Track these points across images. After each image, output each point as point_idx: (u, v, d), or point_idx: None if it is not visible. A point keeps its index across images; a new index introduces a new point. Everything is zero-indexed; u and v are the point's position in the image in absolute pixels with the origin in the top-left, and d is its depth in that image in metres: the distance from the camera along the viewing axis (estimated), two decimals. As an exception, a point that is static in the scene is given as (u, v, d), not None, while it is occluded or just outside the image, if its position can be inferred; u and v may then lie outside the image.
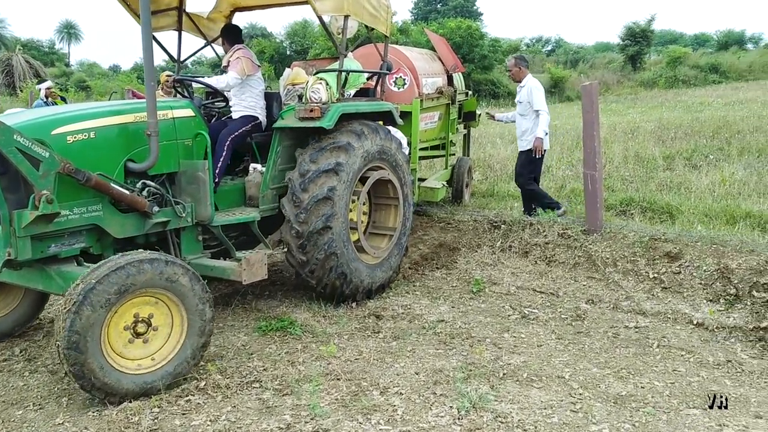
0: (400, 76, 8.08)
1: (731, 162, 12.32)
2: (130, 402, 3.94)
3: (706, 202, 9.19)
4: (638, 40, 43.55)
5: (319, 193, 5.34)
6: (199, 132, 5.10)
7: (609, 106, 30.39)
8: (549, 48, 69.44)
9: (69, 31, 77.11)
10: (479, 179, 12.15)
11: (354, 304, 5.77)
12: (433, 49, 9.94)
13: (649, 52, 46.33)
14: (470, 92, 11.07)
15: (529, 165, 7.73)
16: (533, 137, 7.45)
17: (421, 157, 9.94)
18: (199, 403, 3.98)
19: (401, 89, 8.10)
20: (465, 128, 10.78)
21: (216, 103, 6.02)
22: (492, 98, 37.90)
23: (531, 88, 7.68)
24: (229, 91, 5.89)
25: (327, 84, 5.57)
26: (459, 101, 9.93)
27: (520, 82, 7.87)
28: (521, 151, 7.81)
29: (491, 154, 14.77)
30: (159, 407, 3.93)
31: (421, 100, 8.16)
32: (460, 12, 56.63)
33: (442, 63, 9.51)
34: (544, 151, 7.72)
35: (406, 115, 8.03)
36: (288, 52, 44.00)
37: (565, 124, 21.43)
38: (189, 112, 5.19)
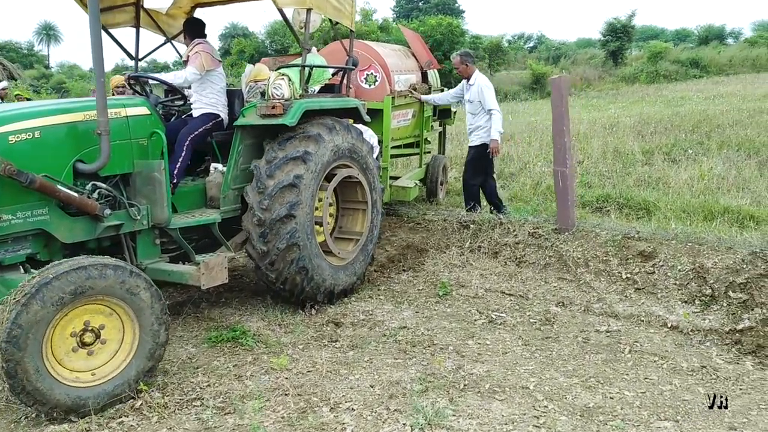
0: (371, 73, 7.79)
1: (710, 156, 12.14)
2: (54, 422, 3.62)
3: (684, 197, 8.98)
4: (619, 36, 43.51)
5: (285, 179, 5.06)
6: (154, 131, 4.79)
7: (590, 102, 30.33)
8: (531, 44, 69.43)
9: (48, 33, 76.12)
10: (455, 177, 11.89)
11: (313, 311, 5.48)
12: (407, 45, 9.67)
13: (630, 48, 46.33)
14: (446, 89, 10.80)
15: (479, 161, 7.55)
16: (487, 136, 7.38)
17: (395, 156, 9.67)
18: (132, 425, 3.67)
19: (372, 86, 7.81)
20: (440, 126, 10.52)
21: (175, 101, 5.69)
22: (474, 95, 37.72)
23: (481, 87, 7.49)
24: (188, 87, 5.58)
25: (289, 80, 5.27)
26: (433, 98, 9.66)
27: (468, 79, 7.64)
28: (471, 147, 7.69)
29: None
30: (87, 431, 3.61)
31: (393, 98, 7.89)
32: (441, 9, 56.43)
33: (417, 60, 9.23)
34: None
35: (377, 113, 7.78)
36: (269, 51, 43.55)
37: (545, 120, 21.12)
38: (144, 110, 4.89)
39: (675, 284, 5.42)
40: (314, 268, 5.33)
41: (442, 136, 10.66)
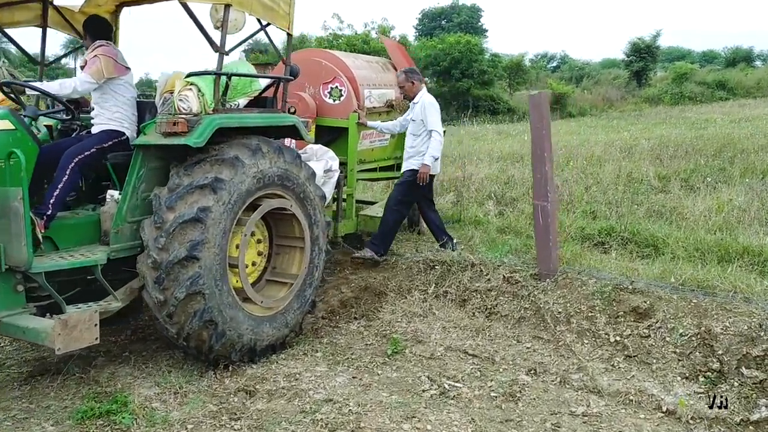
0: (336, 86, 6.84)
1: (732, 184, 10.99)
2: None
3: (698, 233, 7.85)
4: (643, 56, 42.30)
5: (187, 212, 4.10)
6: (13, 150, 3.87)
7: (610, 123, 29.19)
8: (554, 64, 68.31)
9: (76, 47, 76.63)
10: (451, 202, 10.86)
11: (227, 372, 4.48)
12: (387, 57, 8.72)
13: (654, 68, 45.03)
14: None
15: (411, 188, 6.60)
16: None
17: (369, 180, 8.71)
18: None
19: (337, 101, 6.86)
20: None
21: (58, 114, 4.78)
22: (491, 114, 36.79)
23: (425, 105, 6.58)
24: (78, 98, 4.68)
25: (199, 90, 4.33)
26: (418, 116, 8.68)
27: (413, 98, 6.75)
28: (407, 170, 6.76)
29: (472, 173, 13.45)
30: None
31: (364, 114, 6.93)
32: (464, 28, 55.67)
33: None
34: (432, 176, 6.72)
35: (342, 132, 6.83)
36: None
37: (559, 141, 20.12)
38: (5, 125, 3.99)
39: (674, 353, 4.33)
40: (226, 321, 4.34)
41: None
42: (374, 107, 7.21)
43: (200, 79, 4.35)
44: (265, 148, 4.59)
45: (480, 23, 67.95)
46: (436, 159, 6.51)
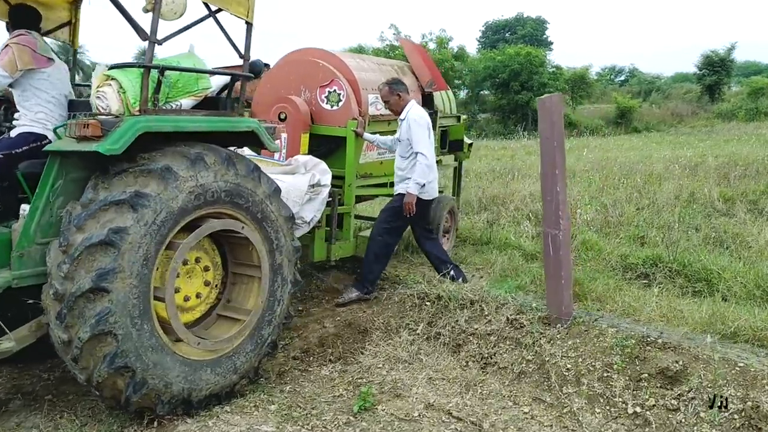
0: (334, 90, 6.06)
1: (808, 210, 9.67)
2: None
3: (761, 267, 6.68)
4: (716, 70, 40.03)
5: (96, 234, 3.36)
6: None
7: (678, 138, 27.59)
8: (622, 78, 65.94)
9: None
10: (486, 221, 9.91)
11: (153, 428, 3.71)
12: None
13: (728, 83, 42.61)
14: (463, 116, 8.92)
15: (395, 214, 5.71)
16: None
17: (373, 197, 7.87)
18: None
19: (335, 107, 6.07)
20: (455, 160, 8.64)
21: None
22: (552, 128, 35.39)
23: (410, 123, 5.60)
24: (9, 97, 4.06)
25: (120, 87, 3.61)
26: (441, 126, 7.82)
27: (400, 114, 5.80)
28: (395, 196, 5.90)
29: (515, 190, 12.43)
30: None
31: (367, 123, 6.13)
32: (529, 41, 54.27)
33: (417, 78, 7.44)
34: (428, 201, 5.84)
35: (342, 141, 6.04)
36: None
37: (618, 157, 18.82)
38: None
39: (710, 435, 3.31)
40: (147, 368, 3.57)
41: (457, 173, 8.75)
42: (381, 115, 6.39)
43: (122, 73, 3.62)
44: (209, 159, 3.82)
45: (545, 36, 66.31)
46: (423, 186, 5.55)
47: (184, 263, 3.93)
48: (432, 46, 39.05)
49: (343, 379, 4.44)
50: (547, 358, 4.06)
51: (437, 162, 8.20)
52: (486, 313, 4.63)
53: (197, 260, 4.03)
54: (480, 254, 7.77)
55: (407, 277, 6.14)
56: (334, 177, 6.02)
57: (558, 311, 4.27)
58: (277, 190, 4.29)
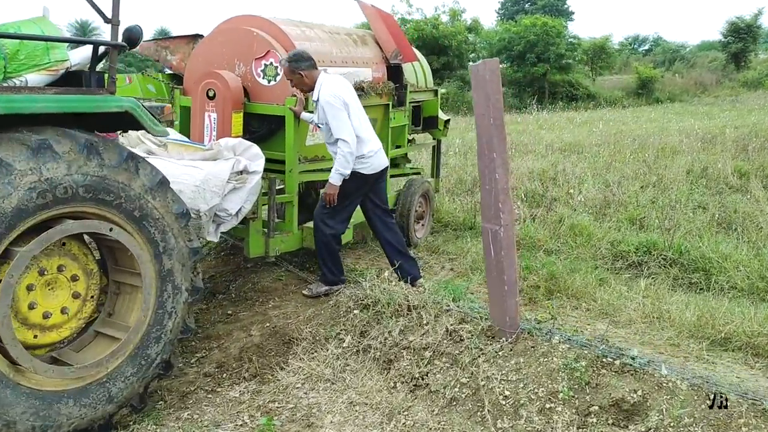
0: (271, 63, 5.31)
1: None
2: None
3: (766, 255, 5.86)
4: (743, 37, 38.27)
5: None
6: None
7: (701, 109, 26.38)
8: (646, 47, 63.87)
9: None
10: (474, 203, 9.13)
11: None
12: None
13: (755, 50, 40.79)
14: (441, 90, 8.11)
15: (325, 212, 4.98)
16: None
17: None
18: None
19: (272, 82, 5.33)
20: (433, 139, 7.86)
21: None
22: (570, 101, 34.24)
23: (323, 106, 4.76)
24: None
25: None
26: (413, 102, 7.05)
27: (311, 91, 4.96)
28: None
29: (513, 168, 11.59)
30: None
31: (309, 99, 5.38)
32: (549, 11, 52.62)
33: (381, 49, 6.65)
34: (380, 174, 5.09)
35: (279, 122, 5.32)
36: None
37: (633, 129, 17.84)
38: None
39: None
40: (-23, 406, 2.93)
41: (435, 152, 7.97)
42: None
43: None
44: (61, 147, 3.13)
45: (566, 5, 64.32)
46: (345, 176, 4.78)
47: (41, 273, 3.27)
48: (445, 18, 37.88)
49: (253, 402, 3.76)
50: (482, 382, 3.33)
51: (410, 141, 7.48)
52: (424, 321, 3.91)
53: (60, 269, 3.35)
54: (457, 242, 7.03)
55: (365, 272, 5.43)
56: (277, 161, 5.33)
57: (501, 322, 3.53)
58: (163, 182, 3.58)
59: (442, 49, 34.62)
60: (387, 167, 5.25)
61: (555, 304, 5.06)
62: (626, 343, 4.21)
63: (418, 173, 7.79)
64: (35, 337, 3.30)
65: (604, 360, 3.18)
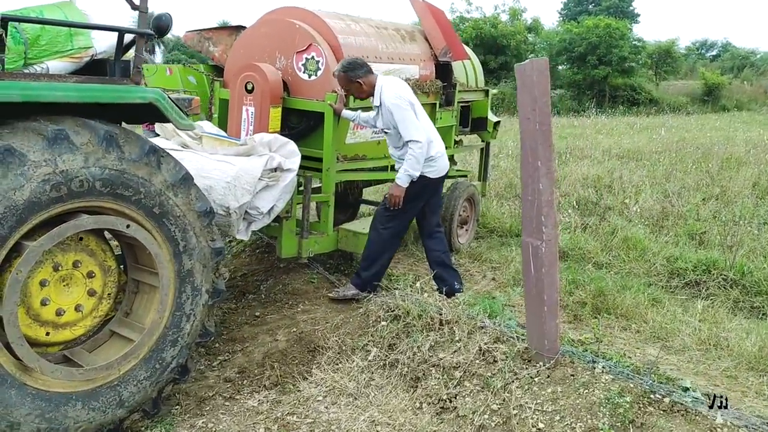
0: (312, 57, 5.12)
1: None
2: None
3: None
4: (821, 42, 36.42)
5: None
6: None
7: (769, 118, 25.20)
8: (714, 53, 61.56)
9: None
10: (517, 209, 8.79)
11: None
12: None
13: (835, 57, 38.78)
14: (493, 90, 7.79)
15: (386, 213, 4.76)
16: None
17: (376, 183, 6.94)
18: None
19: (313, 77, 5.14)
20: (482, 141, 7.57)
21: None
22: (631, 105, 33.22)
23: (390, 109, 4.54)
24: None
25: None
26: (462, 101, 6.77)
27: (370, 97, 4.73)
28: None
29: (568, 173, 11.18)
30: None
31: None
32: (613, 13, 51.27)
33: (430, 45, 6.39)
34: (438, 180, 4.86)
35: (320, 118, 5.12)
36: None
37: (696, 137, 17.09)
38: None
39: None
40: (-22, 405, 2.81)
41: (483, 155, 7.66)
42: (373, 87, 5.38)
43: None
44: (78, 138, 2.98)
45: (631, 7, 62.50)
46: (413, 178, 4.55)
47: (55, 269, 3.14)
48: (504, 17, 37.25)
49: (271, 413, 3.56)
50: (514, 411, 3.04)
51: (458, 143, 7.19)
52: (456, 338, 3.64)
53: (76, 264, 3.21)
54: (501, 249, 6.72)
55: (401, 277, 5.19)
56: (315, 159, 5.14)
57: (539, 346, 3.23)
58: (186, 179, 3.41)
59: (500, 48, 34.05)
60: (448, 171, 5.02)
61: (601, 323, 4.73)
62: (678, 371, 3.86)
63: (465, 176, 7.50)
64: (47, 334, 3.17)
65: (651, 396, 2.86)
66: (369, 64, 4.83)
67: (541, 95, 3.00)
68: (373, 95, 4.66)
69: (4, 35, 2.83)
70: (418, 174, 4.55)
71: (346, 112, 5.00)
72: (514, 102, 31.53)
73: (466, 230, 6.90)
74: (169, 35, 5.26)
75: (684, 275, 5.86)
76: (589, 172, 11.06)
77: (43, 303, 3.11)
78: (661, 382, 3.12)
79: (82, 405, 3.13)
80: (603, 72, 34.53)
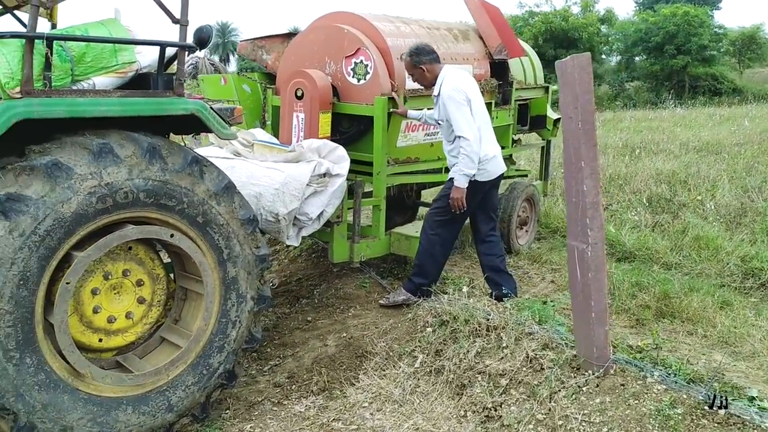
0: (361, 61, 5.12)
1: None
2: None
3: None
4: None
5: None
6: None
7: None
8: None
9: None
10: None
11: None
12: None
13: None
14: (553, 87, 7.57)
15: (436, 218, 4.69)
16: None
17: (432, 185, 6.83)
18: None
19: (362, 81, 5.14)
20: (543, 139, 7.38)
21: None
22: (713, 95, 31.72)
23: (444, 100, 4.47)
24: None
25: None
26: (519, 99, 6.62)
27: (431, 86, 4.67)
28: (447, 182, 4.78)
29: (640, 169, 10.78)
30: None
31: (405, 98, 5.15)
32: (692, 0, 49.28)
33: (484, 43, 6.28)
34: (494, 182, 4.78)
35: (370, 122, 5.11)
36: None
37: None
38: None
39: None
40: (33, 409, 2.93)
41: (544, 153, 7.46)
42: (424, 89, 5.32)
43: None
44: (123, 151, 3.08)
45: (712, -6, 59.74)
46: (471, 176, 4.47)
47: (106, 277, 3.25)
48: (576, 9, 36.32)
49: (317, 419, 3.57)
50: (560, 422, 2.93)
51: (516, 142, 7.03)
52: (504, 344, 3.54)
53: (125, 273, 3.31)
54: (563, 251, 6.51)
55: (455, 281, 5.12)
56: (367, 163, 5.13)
57: (587, 354, 3.10)
58: (229, 187, 3.46)
59: (572, 41, 33.25)
60: (503, 173, 4.90)
61: (666, 328, 4.52)
62: (746, 379, 3.62)
63: (525, 176, 7.34)
64: (100, 340, 3.29)
65: (705, 408, 2.69)
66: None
67: (583, 93, 2.87)
68: (432, 83, 4.61)
69: (49, 54, 2.95)
70: (473, 172, 4.46)
71: (411, 113, 4.99)
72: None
73: (526, 231, 6.74)
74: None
75: (759, 275, 5.53)
76: (664, 167, 10.60)
77: (95, 311, 3.22)
78: (726, 391, 2.93)
79: (133, 409, 3.23)
80: (682, 62, 33.20)
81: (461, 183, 4.45)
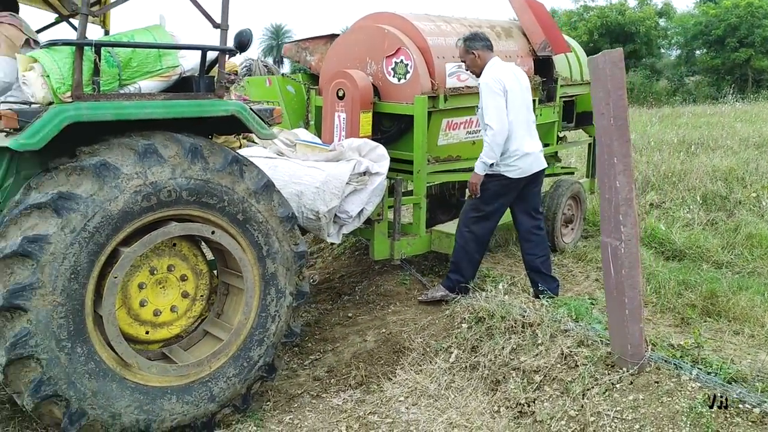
0: (401, 60, 5.18)
1: None
2: None
3: None
4: None
5: (11, 244, 2.94)
6: None
7: None
8: None
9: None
10: (645, 204, 8.39)
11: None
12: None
13: None
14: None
15: (484, 204, 4.66)
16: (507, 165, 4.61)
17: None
18: None
19: (402, 80, 5.20)
20: (589, 136, 7.29)
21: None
22: (777, 89, 30.49)
23: (481, 87, 4.53)
24: None
25: (44, 71, 3.10)
26: (565, 96, 6.57)
27: (480, 74, 4.67)
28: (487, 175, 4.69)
29: (696, 165, 10.51)
30: None
31: (445, 97, 5.19)
32: (757, -11, 47.36)
33: (528, 40, 6.26)
34: (535, 177, 4.74)
35: (411, 121, 5.17)
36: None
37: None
38: None
39: None
40: (84, 397, 3.09)
41: (591, 150, 7.37)
42: (465, 87, 5.34)
43: (47, 53, 3.10)
44: (167, 151, 3.22)
45: (779, -18, 57.40)
46: (491, 165, 4.48)
47: (151, 272, 3.40)
48: (632, 3, 35.43)
49: (354, 412, 3.65)
50: (591, 418, 2.92)
51: (561, 139, 6.96)
52: (539, 341, 3.54)
53: (170, 268, 3.46)
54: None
55: (496, 279, 5.13)
56: (408, 162, 5.19)
57: (622, 351, 3.08)
58: (268, 186, 3.57)
59: (629, 36, 32.48)
60: (541, 171, 4.87)
61: (712, 327, 4.42)
62: (793, 381, 3.53)
63: (571, 173, 7.26)
64: (147, 333, 3.44)
65: (740, 406, 2.64)
66: (449, 62, 4.82)
67: (615, 89, 2.86)
68: (481, 71, 4.66)
69: (98, 60, 3.11)
70: (491, 161, 4.46)
71: None
72: (645, 92, 29.87)
73: (572, 229, 6.67)
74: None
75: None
76: (721, 164, 10.29)
77: (142, 304, 3.38)
78: (765, 390, 2.87)
79: (177, 398, 3.37)
80: (744, 55, 32.01)
81: (479, 169, 4.51)
